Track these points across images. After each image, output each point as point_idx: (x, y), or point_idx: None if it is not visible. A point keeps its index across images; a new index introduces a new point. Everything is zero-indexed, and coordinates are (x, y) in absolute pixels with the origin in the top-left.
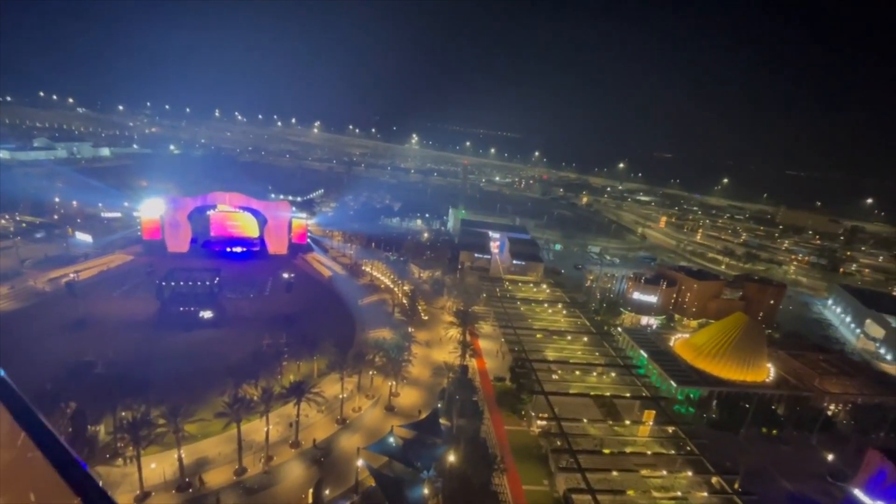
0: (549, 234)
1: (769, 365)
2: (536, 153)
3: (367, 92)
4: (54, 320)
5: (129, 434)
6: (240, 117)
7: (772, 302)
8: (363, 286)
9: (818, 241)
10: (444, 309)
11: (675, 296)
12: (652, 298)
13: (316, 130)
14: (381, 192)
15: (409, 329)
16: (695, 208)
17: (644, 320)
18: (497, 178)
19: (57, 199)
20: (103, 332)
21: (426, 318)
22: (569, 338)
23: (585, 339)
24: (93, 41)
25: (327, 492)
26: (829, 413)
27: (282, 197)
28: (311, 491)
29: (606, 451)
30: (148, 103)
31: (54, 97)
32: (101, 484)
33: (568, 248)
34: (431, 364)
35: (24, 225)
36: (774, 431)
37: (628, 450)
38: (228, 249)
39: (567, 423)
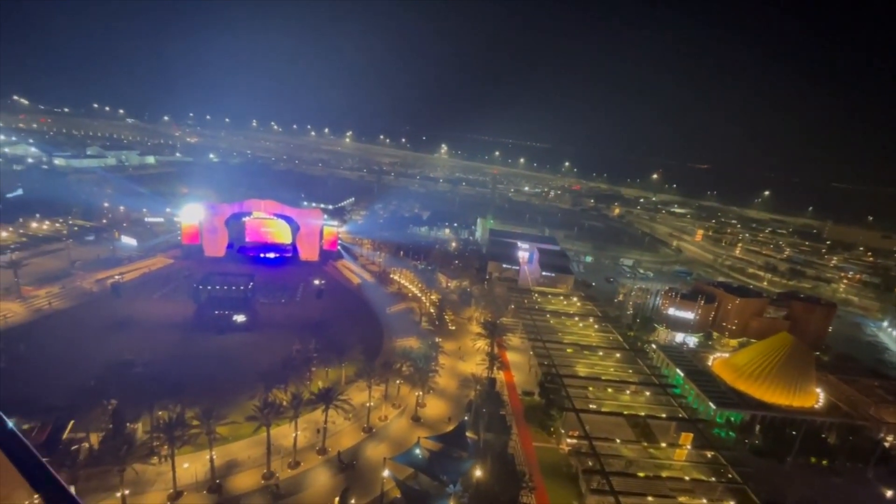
0: (579, 246)
1: (818, 390)
2: (567, 163)
3: (398, 102)
4: (99, 320)
5: (165, 434)
6: (276, 127)
7: (820, 322)
8: (391, 294)
9: (871, 258)
10: (471, 319)
11: (713, 313)
12: (689, 315)
13: (348, 140)
14: (410, 201)
15: (437, 339)
16: (733, 221)
17: (679, 337)
18: (526, 188)
19: (106, 204)
20: (143, 333)
21: (453, 328)
22: (600, 353)
23: (618, 355)
24: (143, 57)
25: (353, 501)
26: (887, 444)
27: (314, 205)
28: (337, 499)
29: (641, 473)
30: (191, 114)
31: (106, 108)
32: (61, 481)
33: (599, 261)
34: (458, 375)
35: (75, 228)
36: (825, 462)
37: (664, 474)
38: (262, 255)
39: (599, 443)
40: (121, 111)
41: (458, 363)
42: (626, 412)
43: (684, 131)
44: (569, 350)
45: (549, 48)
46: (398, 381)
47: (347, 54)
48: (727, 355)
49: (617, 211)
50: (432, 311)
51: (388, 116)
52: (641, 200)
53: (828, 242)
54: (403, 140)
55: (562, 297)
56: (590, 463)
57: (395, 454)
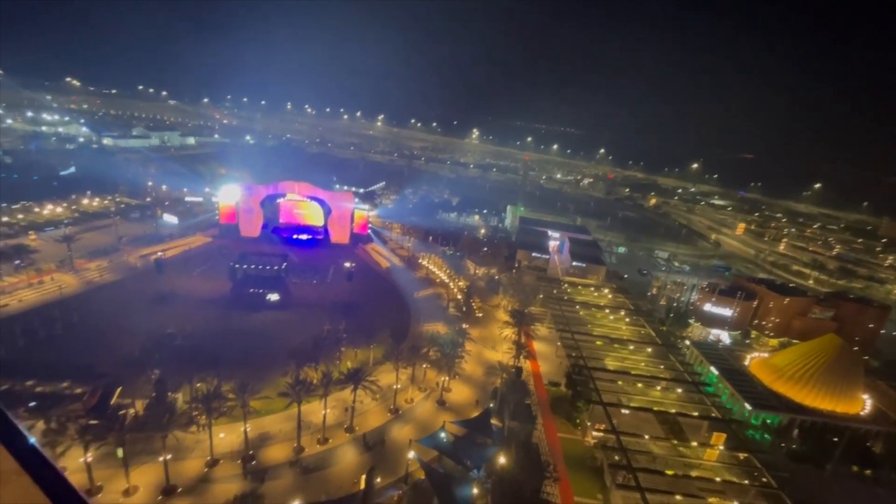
0: (612, 236)
1: (865, 396)
2: (601, 150)
3: (429, 86)
4: (144, 293)
5: (203, 405)
6: (309, 110)
7: (871, 325)
8: (419, 279)
9: None
10: (498, 307)
11: (753, 310)
12: (726, 311)
13: (379, 124)
14: (440, 187)
15: (464, 325)
16: (778, 215)
17: (715, 334)
18: (558, 176)
19: (150, 183)
20: (183, 307)
21: (480, 315)
22: (631, 347)
23: (649, 349)
24: (186, 41)
25: (378, 480)
26: None
27: (346, 188)
28: (363, 477)
29: (669, 472)
30: (228, 96)
31: (151, 90)
32: (73, 485)
33: (632, 252)
34: (484, 362)
35: (122, 206)
36: (868, 472)
37: (694, 473)
38: (295, 236)
39: (626, 438)
40: (164, 93)
41: (484, 350)
42: (655, 408)
43: (728, 118)
44: (598, 342)
45: (587, 33)
46: (425, 366)
47: (382, 38)
48: (766, 355)
49: (653, 201)
50: (460, 297)
51: (419, 100)
52: (679, 191)
53: (883, 240)
54: (434, 124)
55: (592, 289)
56: (616, 457)
57: (421, 436)
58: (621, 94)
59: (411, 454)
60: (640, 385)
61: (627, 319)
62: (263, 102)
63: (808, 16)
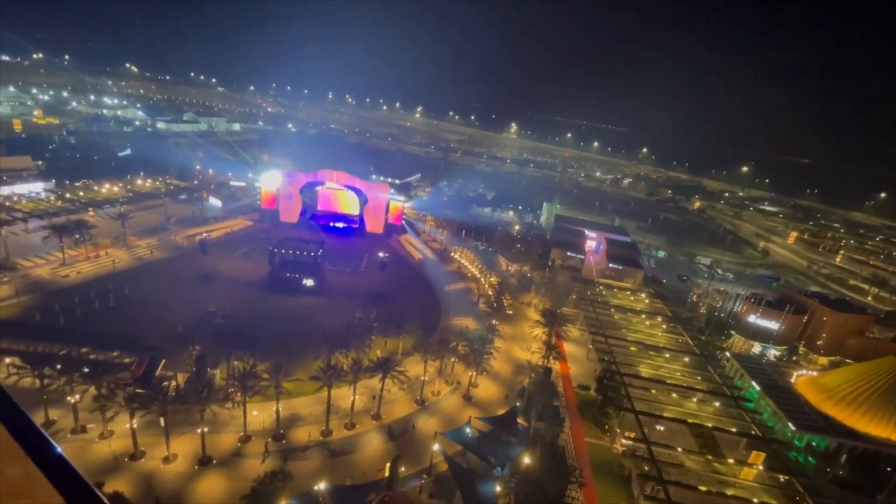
0: (651, 239)
1: None
2: (644, 149)
3: (469, 79)
4: (188, 272)
5: (239, 382)
6: (350, 100)
7: None
8: (450, 273)
9: None
10: (529, 305)
11: (802, 325)
12: (772, 325)
13: (417, 115)
14: (476, 181)
15: (494, 321)
16: (835, 225)
17: (758, 348)
18: (598, 174)
19: (197, 167)
20: (224, 288)
21: (511, 312)
22: (667, 355)
23: (686, 359)
24: (236, 30)
25: (402, 469)
26: None
27: (382, 178)
28: (388, 465)
29: (702, 487)
30: (273, 84)
31: (201, 77)
32: (87, 479)
33: (673, 257)
34: (512, 360)
35: (172, 187)
36: None
37: (728, 492)
38: (332, 224)
39: (658, 449)
40: (213, 80)
41: (513, 348)
42: (690, 420)
43: (784, 119)
44: (632, 348)
45: (635, 25)
46: (453, 359)
47: (425, 32)
48: (815, 373)
49: (697, 204)
50: (490, 293)
51: (458, 93)
52: (726, 194)
53: None
54: (472, 117)
55: (629, 292)
56: (646, 468)
57: (446, 429)
58: (668, 91)
59: (436, 446)
60: (674, 395)
61: (664, 326)
62: (306, 91)
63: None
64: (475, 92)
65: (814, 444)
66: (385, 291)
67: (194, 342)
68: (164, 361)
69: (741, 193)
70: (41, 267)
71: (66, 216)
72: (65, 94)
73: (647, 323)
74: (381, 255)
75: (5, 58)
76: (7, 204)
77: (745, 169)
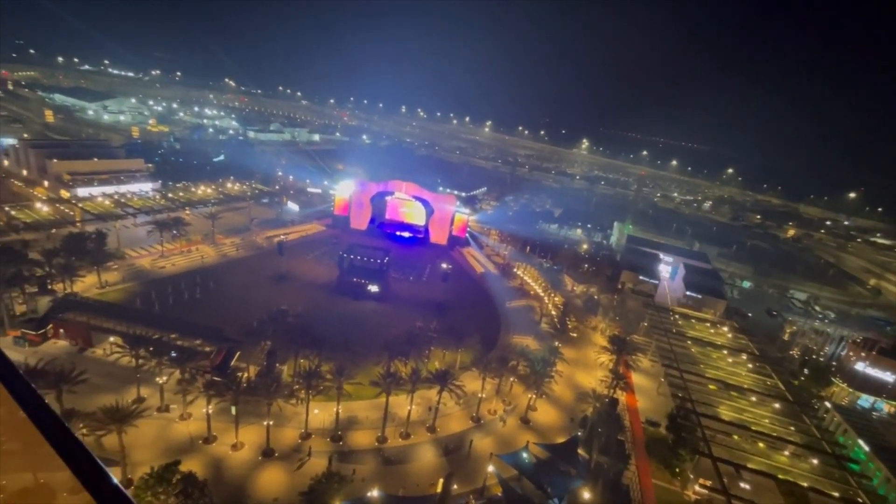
0: (735, 267)
1: None
2: (730, 170)
3: (540, 94)
4: (266, 271)
5: (304, 381)
6: (421, 114)
7: None
8: (512, 289)
9: None
10: (595, 329)
11: None
12: (886, 376)
13: (487, 129)
14: (542, 196)
15: (556, 343)
16: None
17: (868, 401)
18: (675, 195)
19: (279, 173)
20: (296, 288)
21: (575, 335)
22: (753, 398)
23: (776, 405)
24: (321, 48)
25: (455, 486)
26: None
27: (448, 190)
28: (441, 480)
29: None
30: (351, 98)
31: (288, 91)
32: (114, 479)
33: (760, 288)
34: (575, 387)
35: (256, 191)
36: None
37: None
38: (398, 233)
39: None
40: (298, 93)
41: (576, 373)
42: (780, 476)
43: None
44: (711, 386)
45: (721, 31)
46: (512, 379)
47: (497, 46)
48: None
49: (791, 232)
50: (554, 313)
51: (528, 108)
52: (828, 223)
53: None
54: (542, 132)
55: (708, 324)
56: None
57: (501, 451)
58: (758, 106)
59: (490, 468)
60: (761, 445)
61: (750, 365)
62: (381, 105)
63: None
64: (546, 107)
65: None
66: (446, 302)
67: (266, 337)
68: (238, 353)
69: (846, 223)
70: (143, 258)
71: (167, 213)
72: (174, 105)
73: (730, 360)
74: (443, 266)
75: (130, 74)
76: (122, 200)
77: (852, 195)
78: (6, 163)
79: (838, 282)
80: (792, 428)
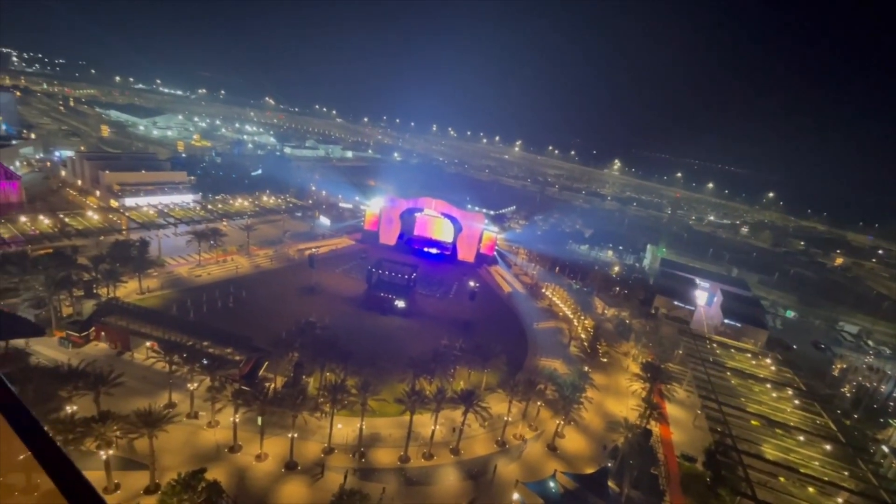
0: (777, 296)
1: None
2: (770, 194)
3: (572, 114)
4: (296, 283)
5: (330, 394)
6: (452, 132)
7: None
8: (541, 310)
9: None
10: (627, 355)
11: None
12: None
13: (516, 149)
14: (573, 216)
15: (586, 368)
16: None
17: None
18: (712, 218)
19: (313, 188)
20: (325, 301)
21: (605, 360)
22: (800, 438)
23: (827, 447)
24: (357, 69)
25: None
26: None
27: (477, 209)
28: None
29: None
30: (384, 117)
31: (324, 109)
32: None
33: (805, 319)
34: (605, 415)
35: (290, 205)
36: None
37: None
38: (426, 249)
39: None
40: (333, 112)
41: (606, 400)
42: None
43: None
44: (753, 422)
45: (759, 48)
46: (539, 403)
47: (527, 65)
48: None
49: (839, 261)
50: (583, 336)
51: (558, 128)
52: (880, 252)
53: None
54: (572, 153)
55: (749, 355)
56: None
57: (526, 478)
58: (802, 127)
59: (516, 496)
60: (811, 489)
61: (796, 402)
62: (413, 124)
63: None
64: (577, 127)
65: None
66: (472, 321)
67: (294, 348)
68: (266, 363)
69: None
70: (181, 266)
71: (206, 224)
72: (217, 122)
73: (774, 394)
74: (471, 283)
75: (178, 92)
76: (165, 210)
77: None
78: (63, 173)
79: (894, 315)
80: (846, 473)
